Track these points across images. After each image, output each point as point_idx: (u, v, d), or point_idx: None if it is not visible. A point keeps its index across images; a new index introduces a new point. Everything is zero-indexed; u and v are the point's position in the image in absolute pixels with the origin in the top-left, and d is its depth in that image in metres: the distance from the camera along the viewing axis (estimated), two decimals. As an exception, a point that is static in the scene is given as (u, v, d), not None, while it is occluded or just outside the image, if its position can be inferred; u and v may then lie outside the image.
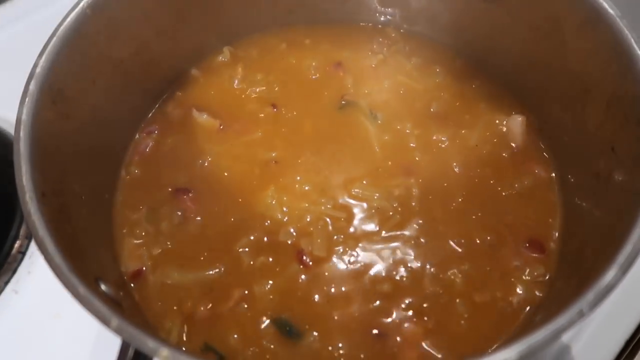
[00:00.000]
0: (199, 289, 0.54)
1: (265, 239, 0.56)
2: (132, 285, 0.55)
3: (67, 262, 0.39)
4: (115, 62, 0.58)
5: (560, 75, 0.58)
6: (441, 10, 0.69)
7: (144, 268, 0.55)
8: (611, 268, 0.38)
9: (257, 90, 0.68)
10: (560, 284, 0.51)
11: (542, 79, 0.61)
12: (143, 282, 0.55)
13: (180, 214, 0.59)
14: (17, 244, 0.67)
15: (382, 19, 0.74)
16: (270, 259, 0.55)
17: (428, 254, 0.55)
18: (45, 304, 0.63)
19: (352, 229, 0.57)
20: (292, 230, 0.57)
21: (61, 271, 0.39)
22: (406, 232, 0.56)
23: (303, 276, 0.54)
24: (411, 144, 0.63)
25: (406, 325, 0.51)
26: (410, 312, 0.51)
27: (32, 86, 0.47)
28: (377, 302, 0.52)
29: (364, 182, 0.60)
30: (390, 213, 0.58)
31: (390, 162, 0.62)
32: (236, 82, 0.69)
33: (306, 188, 0.60)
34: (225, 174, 0.61)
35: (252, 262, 0.55)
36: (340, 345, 0.50)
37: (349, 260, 0.55)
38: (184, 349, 0.50)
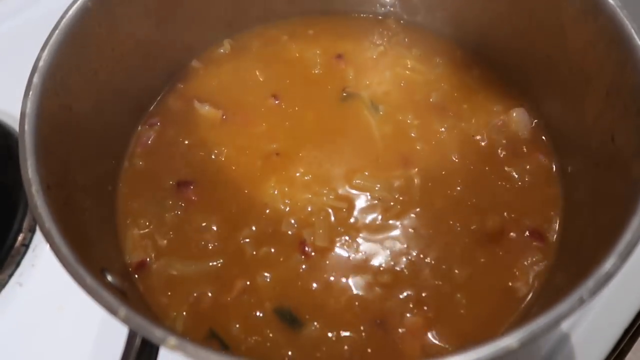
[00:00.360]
0: (203, 279, 0.54)
1: (268, 229, 0.57)
2: (136, 276, 0.55)
3: (73, 253, 0.40)
4: (116, 54, 0.58)
5: (560, 65, 0.58)
6: (441, 0, 0.69)
7: (148, 259, 0.56)
8: (611, 256, 0.39)
9: (259, 82, 0.68)
10: (560, 272, 0.51)
11: (542, 69, 0.61)
12: (147, 272, 0.55)
13: (183, 205, 0.59)
14: (20, 237, 0.67)
15: (382, 10, 0.74)
16: (273, 250, 0.56)
17: (429, 244, 0.55)
18: (49, 296, 0.63)
19: (353, 220, 0.57)
20: (294, 220, 0.57)
21: (68, 262, 0.39)
22: (407, 223, 0.57)
23: (305, 266, 0.54)
24: (412, 135, 0.63)
25: (408, 315, 0.51)
26: (411, 303, 0.52)
27: (35, 79, 0.47)
28: (379, 292, 0.53)
29: (366, 173, 0.60)
30: (392, 203, 0.58)
31: (391, 153, 0.62)
32: (237, 73, 0.69)
33: (308, 179, 0.60)
34: (228, 165, 0.62)
35: (254, 253, 0.55)
36: (341, 335, 0.51)
37: (350, 251, 0.55)
38: (188, 338, 0.51)
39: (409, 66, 0.70)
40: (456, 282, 0.53)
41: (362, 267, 0.54)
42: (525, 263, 0.54)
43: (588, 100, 0.54)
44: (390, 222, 0.57)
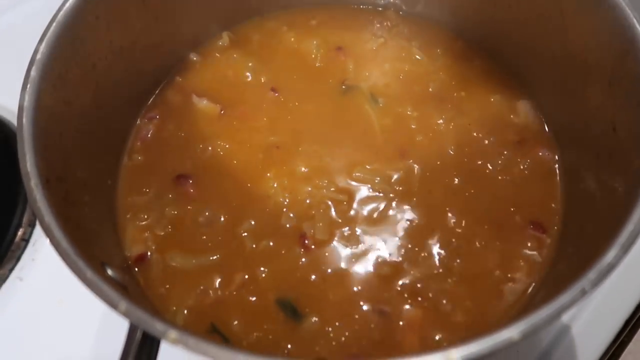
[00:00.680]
0: (203, 273, 0.54)
1: (268, 223, 0.57)
2: (136, 269, 0.55)
3: (73, 247, 0.40)
4: (115, 47, 0.58)
5: (561, 56, 0.58)
6: (441, -9, 0.69)
7: (148, 253, 0.56)
8: (613, 247, 0.38)
9: (258, 74, 0.68)
10: (561, 264, 0.51)
11: (543, 59, 0.61)
12: (147, 266, 0.55)
13: (182, 198, 0.59)
14: (20, 232, 0.67)
15: (382, 1, 0.74)
16: (273, 243, 0.55)
17: (428, 236, 0.55)
18: (49, 290, 0.63)
19: (353, 212, 0.57)
20: (294, 214, 0.57)
21: (68, 256, 0.39)
22: (407, 215, 0.57)
23: (305, 259, 0.54)
24: (412, 127, 0.63)
25: (407, 307, 0.51)
26: (411, 295, 0.52)
27: (33, 72, 0.47)
28: (378, 285, 0.53)
29: (365, 165, 0.60)
30: (391, 195, 0.58)
31: (391, 145, 0.62)
32: (236, 66, 0.69)
33: (308, 172, 0.60)
34: (227, 159, 0.61)
35: (254, 246, 0.55)
36: (341, 328, 0.51)
37: (350, 244, 0.55)
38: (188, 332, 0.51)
39: (409, 58, 0.70)
40: (456, 274, 0.53)
41: (361, 259, 0.54)
42: (526, 254, 0.54)
43: (589, 91, 0.54)
44: (390, 214, 0.57)
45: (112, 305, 0.37)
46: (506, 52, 0.66)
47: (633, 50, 0.47)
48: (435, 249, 0.54)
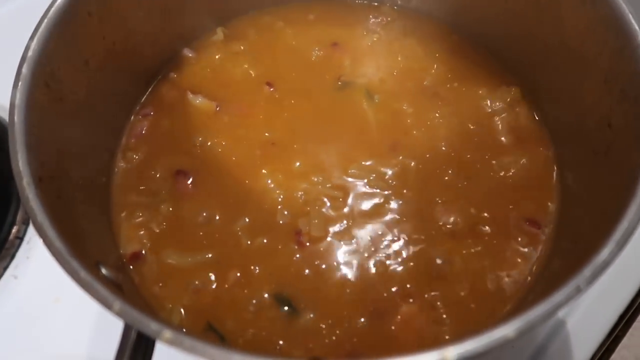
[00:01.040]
0: (198, 270, 0.54)
1: (263, 220, 0.57)
2: (131, 267, 0.55)
3: (67, 246, 0.39)
4: (107, 43, 0.57)
5: (558, 51, 0.58)
6: (437, -15, 0.69)
7: (143, 250, 0.55)
8: (608, 244, 0.39)
9: (253, 70, 0.67)
10: (557, 260, 0.51)
11: (540, 54, 0.61)
12: (142, 264, 0.55)
13: (177, 196, 0.59)
14: (14, 230, 0.67)
15: (378, -4, 0.73)
16: (269, 240, 0.55)
17: (425, 232, 0.55)
18: (44, 288, 0.63)
19: (349, 209, 0.57)
20: (289, 210, 0.57)
21: (62, 256, 0.39)
22: (403, 211, 0.57)
23: (301, 256, 0.54)
24: (408, 123, 0.63)
25: (403, 304, 0.51)
26: (407, 291, 0.52)
27: (24, 70, 0.47)
28: (374, 281, 0.53)
29: (361, 161, 0.60)
30: (387, 192, 0.58)
31: (386, 141, 0.62)
32: (231, 62, 0.68)
33: (304, 169, 0.60)
34: (223, 155, 0.61)
35: (250, 243, 0.55)
36: (336, 324, 0.51)
37: (345, 240, 0.55)
38: (184, 330, 0.51)
39: (405, 53, 0.69)
40: (452, 270, 0.53)
41: (357, 256, 0.54)
42: (522, 250, 0.54)
43: (586, 87, 0.54)
44: (386, 210, 0.57)
45: (107, 305, 0.36)
46: (502, 47, 0.66)
47: (629, 47, 0.47)
48: (432, 245, 0.54)
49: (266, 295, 0.52)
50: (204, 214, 0.57)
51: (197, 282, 0.53)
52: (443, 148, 0.61)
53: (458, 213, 0.56)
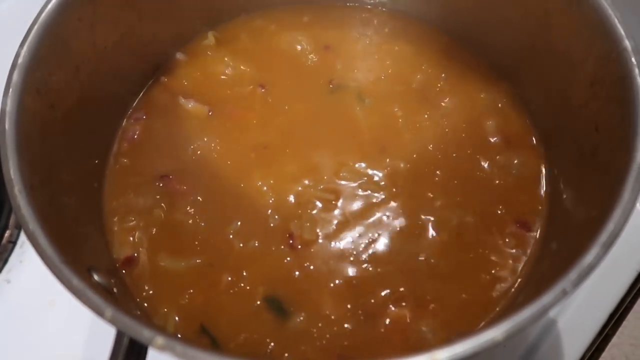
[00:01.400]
0: (191, 273, 0.54)
1: (256, 223, 0.57)
2: (123, 272, 0.55)
3: (59, 254, 0.40)
4: (99, 49, 0.57)
5: (545, 54, 0.58)
6: (427, -12, 0.69)
7: (136, 255, 0.56)
8: (594, 247, 0.39)
9: (245, 74, 0.67)
10: (546, 261, 0.52)
11: (528, 57, 0.61)
12: (135, 268, 0.55)
13: (170, 199, 0.59)
14: (7, 234, 0.67)
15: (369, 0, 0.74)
16: (261, 243, 0.56)
17: (416, 234, 0.56)
18: (38, 292, 0.63)
19: (340, 211, 0.57)
20: (282, 213, 0.57)
21: (54, 264, 0.39)
22: (394, 213, 0.57)
23: (293, 259, 0.55)
24: (399, 126, 0.63)
25: (393, 307, 0.52)
26: (397, 294, 0.52)
27: (15, 77, 0.46)
28: (365, 284, 0.53)
29: (352, 164, 0.60)
30: (379, 194, 0.58)
31: (377, 144, 0.62)
32: (223, 65, 0.68)
33: (295, 172, 0.60)
34: (216, 159, 0.61)
35: (242, 246, 0.55)
36: (327, 327, 0.51)
37: (337, 243, 0.55)
38: (179, 335, 0.51)
39: (396, 56, 0.69)
40: (442, 272, 0.53)
41: (349, 259, 0.54)
42: (511, 252, 0.55)
43: (572, 90, 0.54)
44: (377, 212, 0.57)
45: (99, 312, 0.37)
46: (492, 50, 0.66)
47: (615, 51, 0.47)
48: (422, 248, 0.55)
49: (258, 299, 0.53)
50: (196, 218, 0.57)
51: (190, 286, 0.54)
52: (433, 150, 0.61)
53: (448, 215, 0.57)
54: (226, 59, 0.69)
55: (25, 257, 0.66)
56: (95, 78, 0.57)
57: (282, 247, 0.55)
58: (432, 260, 0.54)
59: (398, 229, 0.56)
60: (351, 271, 0.54)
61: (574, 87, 0.54)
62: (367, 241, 0.56)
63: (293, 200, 0.58)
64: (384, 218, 0.57)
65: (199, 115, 0.64)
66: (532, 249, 0.55)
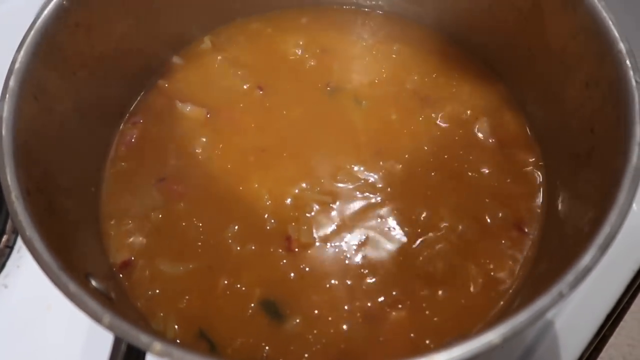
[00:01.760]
0: (189, 277, 0.54)
1: (253, 226, 0.57)
2: (121, 276, 0.55)
3: (56, 259, 0.40)
4: (95, 53, 0.57)
5: (541, 57, 0.58)
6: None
7: (133, 258, 0.56)
8: (590, 249, 0.39)
9: (243, 77, 0.67)
10: (543, 264, 0.52)
11: (523, 59, 0.62)
12: (132, 272, 0.55)
13: (167, 203, 0.59)
14: (4, 239, 0.67)
15: (365, 2, 0.74)
16: (259, 246, 0.56)
17: (413, 237, 0.56)
18: (35, 297, 0.63)
19: (337, 214, 0.57)
20: (279, 217, 0.57)
21: (51, 269, 0.39)
22: (392, 216, 0.57)
23: (290, 262, 0.55)
24: (395, 128, 0.64)
25: (391, 311, 0.52)
26: (395, 298, 0.52)
27: (12, 82, 0.47)
28: (363, 288, 0.53)
29: (349, 167, 0.60)
30: (376, 197, 0.58)
31: (374, 146, 0.62)
32: (220, 69, 0.69)
33: (293, 175, 0.60)
34: (213, 162, 0.61)
35: (239, 249, 0.55)
36: (325, 330, 0.51)
37: (335, 246, 0.55)
38: (178, 340, 0.51)
39: (392, 58, 0.70)
40: (440, 276, 0.53)
41: (346, 262, 0.55)
42: (509, 254, 0.55)
43: (568, 92, 0.54)
44: (375, 215, 0.57)
45: (96, 318, 0.37)
46: (488, 52, 0.67)
47: (610, 53, 0.47)
48: (419, 251, 0.55)
49: (255, 302, 0.53)
50: (194, 221, 0.57)
51: (188, 290, 0.54)
52: (430, 152, 0.61)
53: (445, 216, 0.57)
54: (223, 62, 0.69)
55: (23, 262, 0.66)
56: (92, 82, 0.57)
57: (280, 250, 0.55)
58: (429, 263, 0.54)
59: (396, 232, 0.56)
60: (348, 274, 0.54)
61: (570, 89, 0.54)
62: (364, 243, 0.56)
63: (291, 203, 0.58)
64: (381, 220, 0.57)
65: (196, 119, 0.64)
66: (528, 251, 0.55)
